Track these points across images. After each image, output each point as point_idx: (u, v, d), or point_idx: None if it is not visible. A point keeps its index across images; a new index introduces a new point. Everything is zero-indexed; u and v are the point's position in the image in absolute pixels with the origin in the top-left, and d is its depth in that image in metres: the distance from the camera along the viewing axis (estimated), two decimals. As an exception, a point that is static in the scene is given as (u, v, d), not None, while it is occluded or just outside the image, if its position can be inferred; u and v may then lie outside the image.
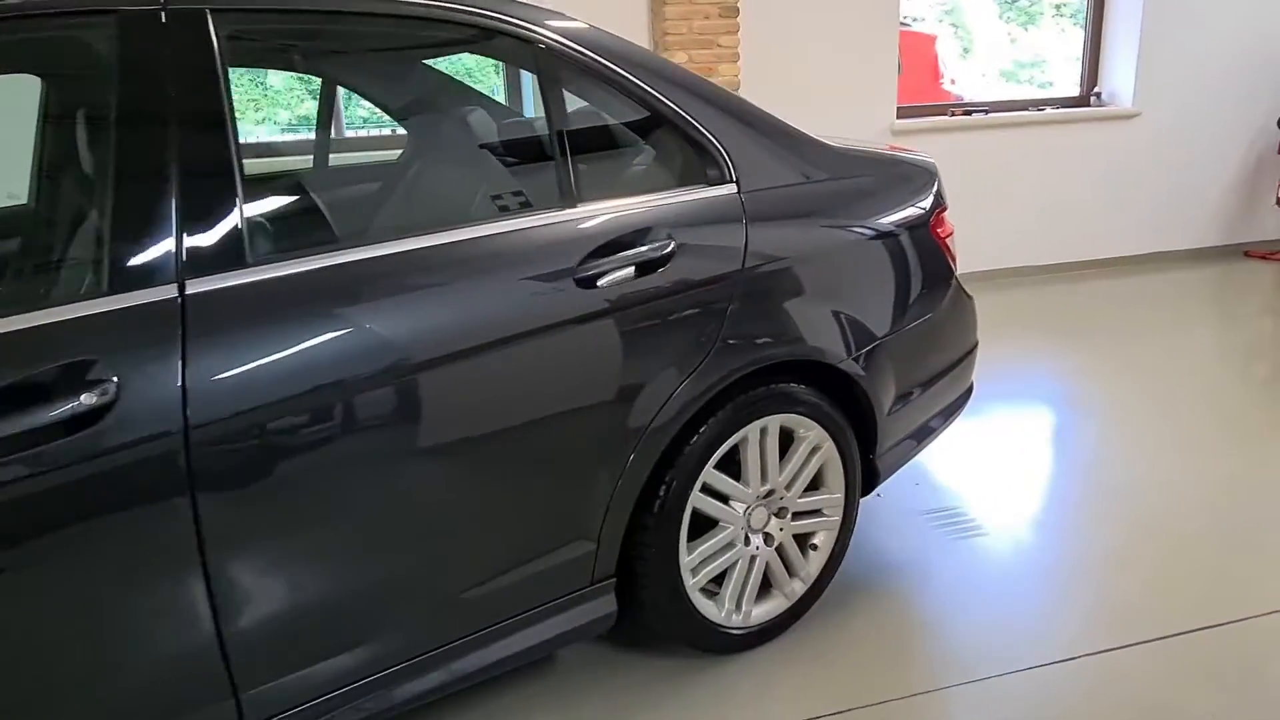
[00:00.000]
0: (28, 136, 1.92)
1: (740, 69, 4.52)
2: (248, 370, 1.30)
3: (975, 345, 2.47)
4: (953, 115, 5.31)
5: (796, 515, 2.05)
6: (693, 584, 1.89)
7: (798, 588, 2.08)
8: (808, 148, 2.04)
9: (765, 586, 2.06)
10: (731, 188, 1.85)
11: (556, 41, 1.70)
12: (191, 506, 1.27)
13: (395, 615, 1.53)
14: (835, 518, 2.11)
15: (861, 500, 2.21)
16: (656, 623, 1.91)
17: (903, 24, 6.95)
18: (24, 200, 1.97)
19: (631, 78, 1.77)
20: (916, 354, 2.20)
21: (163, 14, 1.34)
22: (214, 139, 1.35)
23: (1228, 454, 2.98)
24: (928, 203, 2.23)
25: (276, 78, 5.32)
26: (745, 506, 1.95)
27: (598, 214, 1.68)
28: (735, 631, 1.99)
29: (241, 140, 1.38)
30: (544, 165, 1.71)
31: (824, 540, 2.12)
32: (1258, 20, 5.60)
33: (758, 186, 1.89)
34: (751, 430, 1.89)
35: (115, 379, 1.20)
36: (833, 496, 2.09)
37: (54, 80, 1.80)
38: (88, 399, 1.18)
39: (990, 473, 2.91)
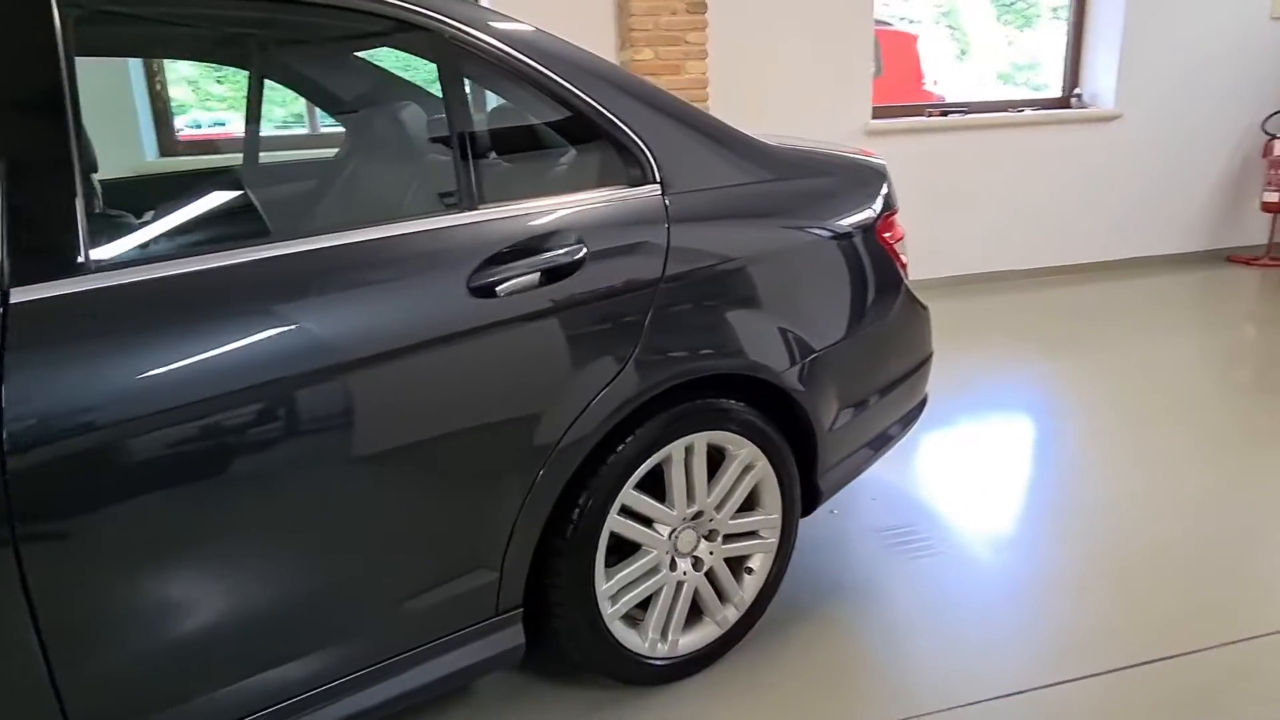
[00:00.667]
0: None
1: (708, 66, 4.40)
2: (77, 386, 1.17)
3: (928, 357, 2.35)
4: (930, 116, 5.20)
5: (729, 538, 1.92)
6: (611, 613, 1.76)
7: (731, 614, 1.95)
8: (745, 147, 1.91)
9: (695, 613, 1.93)
10: (654, 189, 1.72)
11: (457, 30, 1.57)
12: (11, 543, 1.13)
13: (271, 649, 1.40)
14: (772, 540, 1.98)
15: (806, 519, 2.09)
16: (574, 653, 1.78)
17: (883, 23, 6.84)
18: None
19: (546, 71, 1.65)
20: (861, 367, 2.07)
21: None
22: (49, 130, 1.21)
23: (1203, 468, 2.86)
24: (876, 205, 2.11)
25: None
26: (670, 529, 1.82)
27: (499, 217, 1.55)
28: (660, 662, 1.86)
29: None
30: (441, 164, 1.58)
31: (760, 563, 1.99)
32: (1241, 21, 5.49)
33: (685, 188, 1.76)
34: (675, 449, 1.77)
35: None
36: (768, 518, 1.96)
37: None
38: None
39: (952, 488, 2.79)
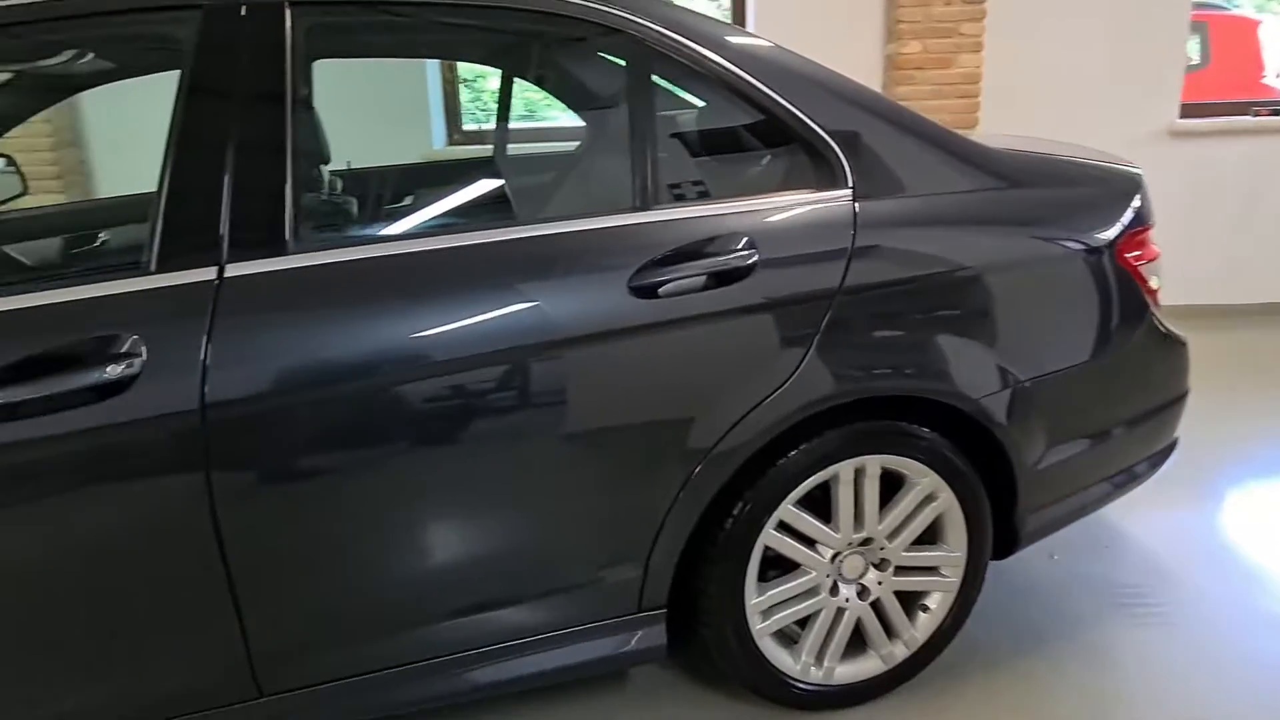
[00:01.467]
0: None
1: (983, 60, 4.08)
2: (270, 352, 1.33)
3: (1181, 395, 2.03)
4: (1257, 115, 4.46)
5: (901, 570, 1.80)
6: (761, 628, 1.71)
7: (899, 652, 1.83)
8: (964, 151, 1.76)
9: (860, 644, 1.83)
10: (844, 194, 1.64)
11: (648, 29, 1.58)
12: (207, 484, 1.32)
13: (420, 614, 1.52)
14: (953, 579, 1.82)
15: (1008, 559, 1.90)
16: (722, 663, 1.75)
17: (1214, 6, 5.96)
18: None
19: (737, 70, 1.62)
20: (1084, 401, 1.84)
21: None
22: (274, 130, 1.39)
23: None
24: (1120, 221, 1.85)
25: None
26: (834, 552, 1.73)
27: (668, 219, 1.55)
28: (811, 688, 1.78)
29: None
30: (619, 164, 1.60)
31: (938, 602, 1.84)
32: None
33: (882, 194, 1.66)
34: (844, 469, 1.68)
35: (144, 353, 1.28)
36: (950, 555, 1.80)
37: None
38: (114, 369, 1.26)
39: (1201, 551, 2.40)
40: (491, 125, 5.31)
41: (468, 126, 4.70)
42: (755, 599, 1.70)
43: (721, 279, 1.54)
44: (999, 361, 1.71)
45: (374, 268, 1.42)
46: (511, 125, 2.52)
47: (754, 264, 1.55)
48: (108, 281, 1.31)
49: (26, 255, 2.20)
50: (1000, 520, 1.86)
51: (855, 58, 4.20)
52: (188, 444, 1.30)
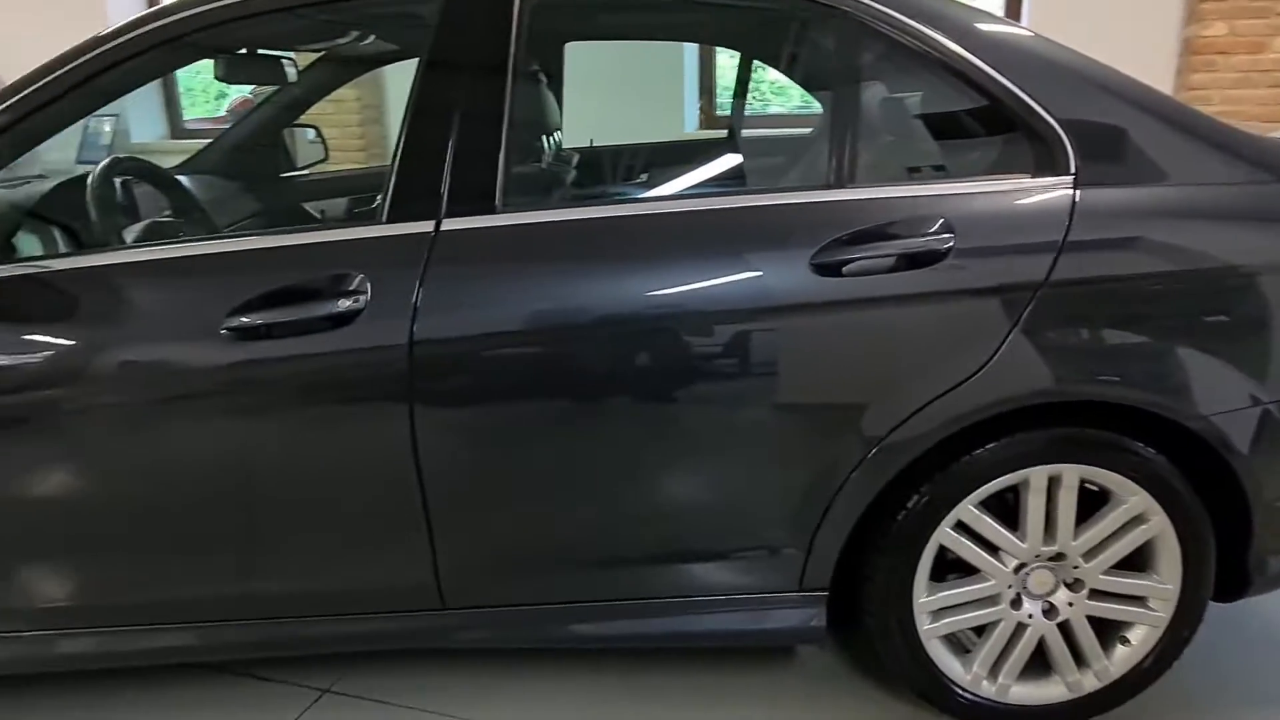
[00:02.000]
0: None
1: (1307, 42, 3.54)
2: (474, 302, 1.48)
3: None
4: None
5: (1098, 594, 1.65)
6: (929, 629, 1.65)
7: (1087, 682, 1.68)
8: (1217, 138, 1.57)
9: (1046, 665, 1.70)
10: (1063, 181, 1.52)
11: (860, 5, 1.55)
12: (410, 413, 1.49)
13: (594, 556, 1.62)
14: (1162, 614, 1.64)
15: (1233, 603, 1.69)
16: (883, 658, 1.71)
17: None
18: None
19: (954, 47, 1.55)
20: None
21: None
22: (493, 102, 1.53)
23: None
24: None
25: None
26: (1019, 563, 1.63)
27: (861, 198, 1.53)
28: (978, 700, 1.68)
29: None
30: (822, 142, 1.59)
31: (1141, 637, 1.67)
32: None
33: (1112, 181, 1.52)
34: (1036, 475, 1.56)
35: (369, 291, 1.47)
36: (1160, 586, 1.63)
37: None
38: (343, 303, 1.46)
39: None
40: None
41: (722, 113, 4.78)
42: (925, 598, 1.63)
43: (913, 261, 1.49)
44: (1243, 376, 1.52)
45: (571, 229, 1.53)
46: (757, 110, 2.57)
47: (950, 248, 1.48)
48: (349, 228, 1.52)
49: (302, 206, 2.56)
50: (1231, 558, 1.64)
51: (1147, 41, 3.79)
52: (396, 376, 1.47)
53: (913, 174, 1.58)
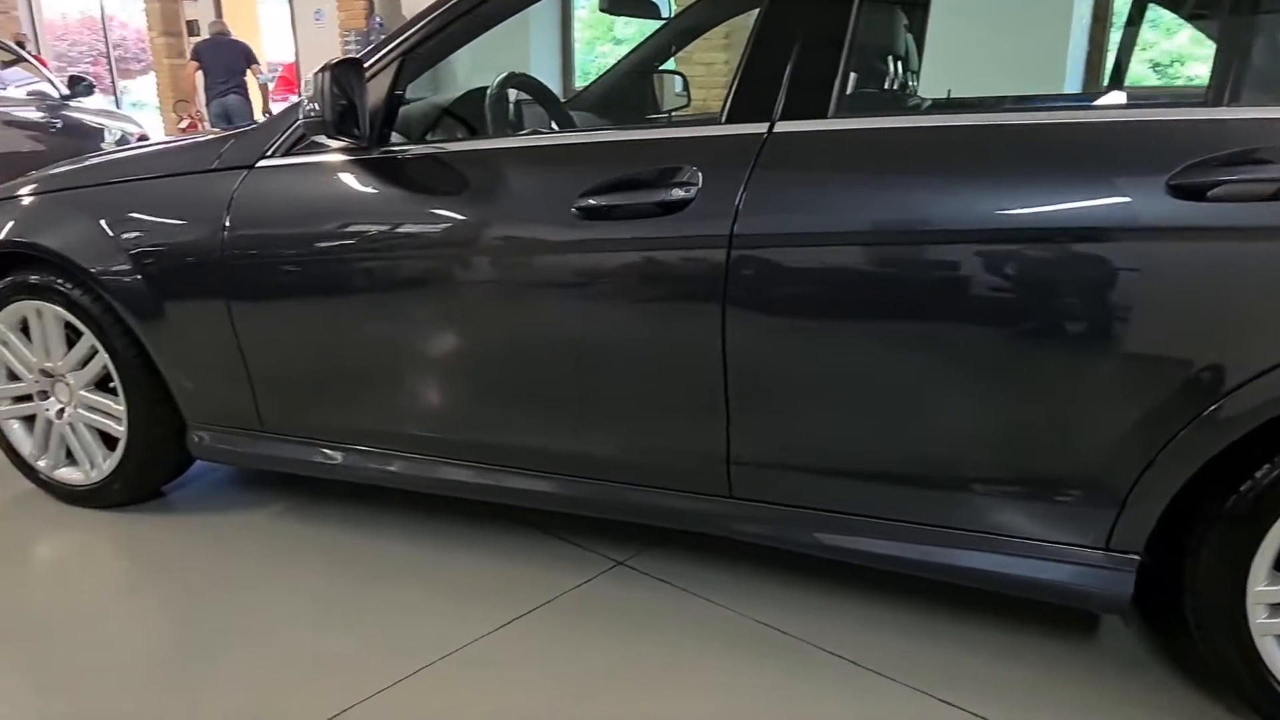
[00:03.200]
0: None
1: None
2: (794, 204, 1.54)
3: None
4: None
5: None
6: (1263, 623, 1.43)
7: None
8: None
9: None
10: None
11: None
12: (722, 302, 1.59)
13: (883, 471, 1.61)
14: None
15: None
16: (1204, 651, 1.51)
17: None
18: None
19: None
20: None
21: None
22: (837, 26, 1.57)
23: None
24: None
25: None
26: (1399, 568, 1.35)
27: (1245, 117, 1.34)
28: (1323, 724, 1.43)
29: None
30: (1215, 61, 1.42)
31: None
32: None
33: None
34: None
35: (699, 182, 1.58)
36: None
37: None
38: (676, 192, 1.59)
39: None
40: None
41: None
42: (1262, 585, 1.42)
43: (1302, 193, 1.28)
44: None
45: (907, 137, 1.53)
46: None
47: (1353, 178, 1.26)
48: (688, 127, 1.65)
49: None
50: None
51: None
52: (714, 263, 1.57)
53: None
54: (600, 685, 1.65)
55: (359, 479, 2.08)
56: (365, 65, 1.83)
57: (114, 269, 2.07)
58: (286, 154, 1.97)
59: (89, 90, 6.16)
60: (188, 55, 9.34)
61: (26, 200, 2.26)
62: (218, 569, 2.07)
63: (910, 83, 2.39)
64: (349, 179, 1.90)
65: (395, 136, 1.95)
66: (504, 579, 1.99)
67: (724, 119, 1.63)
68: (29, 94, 5.90)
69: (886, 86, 2.22)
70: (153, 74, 11.65)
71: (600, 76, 2.98)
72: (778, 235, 1.55)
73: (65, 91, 6.08)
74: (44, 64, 7.87)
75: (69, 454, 2.35)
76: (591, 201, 1.65)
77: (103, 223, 2.10)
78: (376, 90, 1.87)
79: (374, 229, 1.86)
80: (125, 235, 2.07)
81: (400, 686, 1.64)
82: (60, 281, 2.15)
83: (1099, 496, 1.47)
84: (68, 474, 2.35)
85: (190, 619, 1.89)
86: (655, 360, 1.68)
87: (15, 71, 6.53)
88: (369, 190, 1.89)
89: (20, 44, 10.87)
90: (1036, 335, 1.44)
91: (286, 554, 2.12)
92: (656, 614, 1.86)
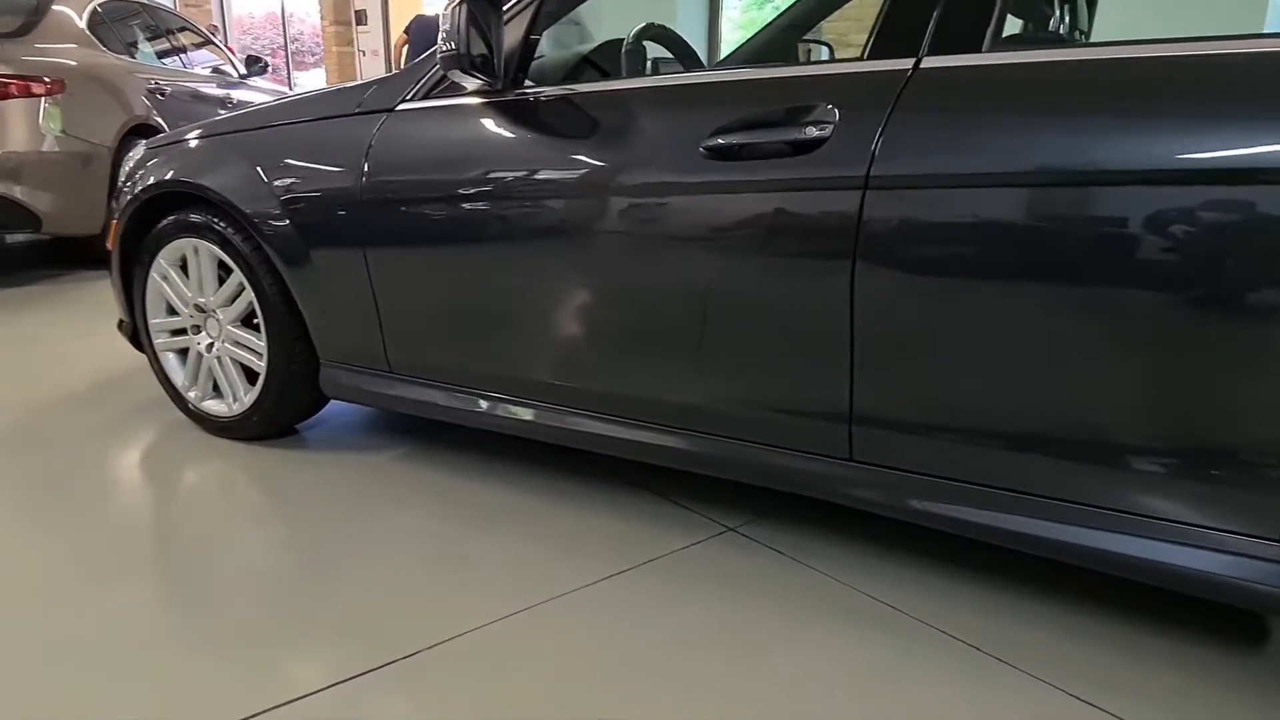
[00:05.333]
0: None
1: None
2: (936, 145, 1.43)
3: None
4: None
5: None
6: None
7: None
8: None
9: None
10: None
11: None
12: (853, 249, 1.49)
13: (1004, 436, 1.48)
14: None
15: None
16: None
17: None
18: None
19: None
20: None
21: None
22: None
23: None
24: None
25: None
26: None
27: None
28: None
29: None
30: None
31: None
32: None
33: None
34: None
35: (834, 121, 1.49)
36: None
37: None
38: (810, 131, 1.51)
39: None
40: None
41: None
42: None
43: None
44: None
45: (1074, 71, 1.39)
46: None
47: None
48: (826, 64, 1.56)
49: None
50: None
51: None
52: (846, 208, 1.48)
53: None
54: (703, 639, 1.59)
55: (479, 425, 2.10)
56: (503, 6, 1.84)
57: (264, 210, 2.17)
58: (425, 98, 2.01)
59: (263, 70, 6.61)
60: (355, 45, 9.86)
61: (192, 144, 2.40)
62: (339, 504, 2.13)
63: (1080, 30, 2.20)
64: (481, 121, 1.92)
65: (528, 83, 1.95)
66: (613, 534, 1.96)
67: (865, 55, 1.54)
68: (211, 71, 6.35)
69: (1050, 29, 2.05)
70: (323, 67, 12.41)
71: (744, 43, 2.91)
72: (919, 177, 1.44)
73: (243, 71, 6.55)
74: (230, 50, 8.51)
75: (215, 387, 2.48)
76: (720, 141, 1.59)
77: (257, 166, 2.20)
78: (513, 33, 1.87)
79: (503, 173, 1.86)
80: (275, 179, 2.16)
81: (509, 621, 1.64)
82: (217, 221, 2.27)
83: (1272, 477, 1.30)
84: (213, 406, 2.49)
85: (309, 547, 1.95)
86: (779, 306, 1.60)
87: (203, 53, 7.04)
88: (499, 133, 1.90)
89: (212, 32, 11.86)
90: (1216, 293, 1.27)
91: (404, 495, 2.17)
92: (766, 581, 1.78)
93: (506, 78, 1.87)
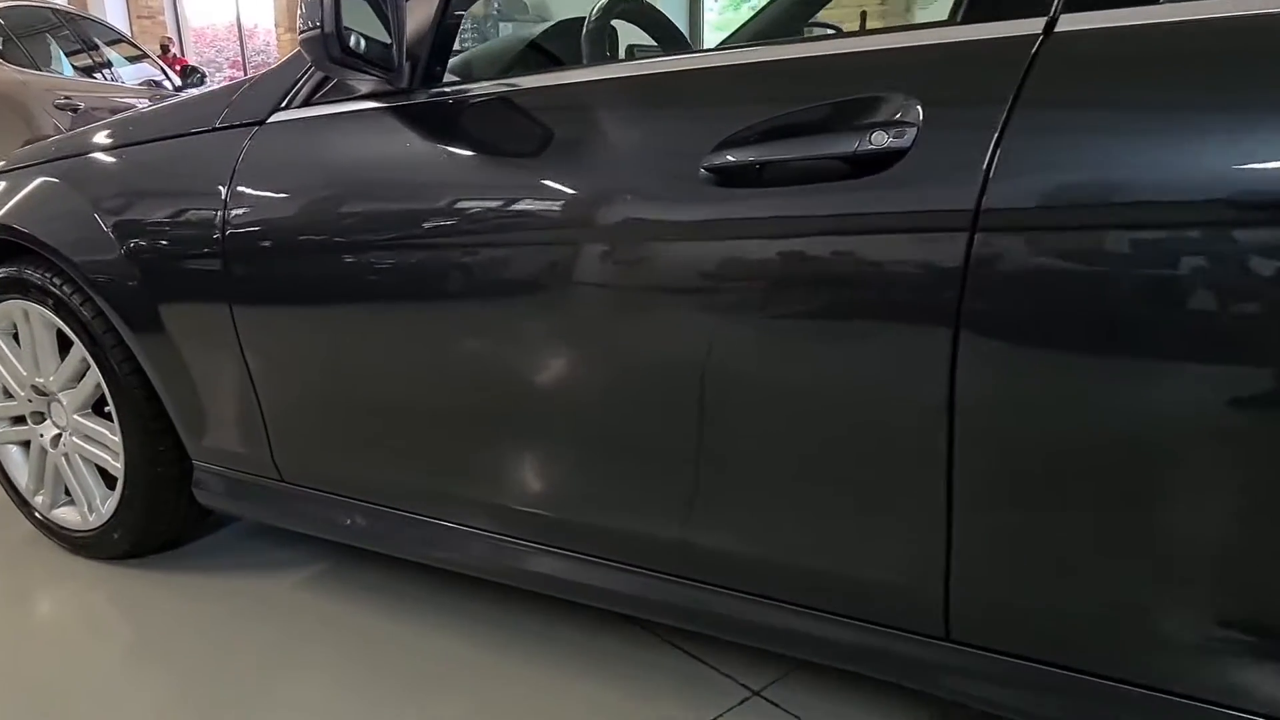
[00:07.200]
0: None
1: None
2: (1101, 150, 0.86)
3: None
4: None
5: None
6: None
7: None
8: None
9: None
10: None
11: None
12: (953, 327, 0.93)
13: (1184, 624, 0.93)
14: None
15: None
16: None
17: None
18: None
19: None
20: None
21: None
22: None
23: None
24: None
25: None
26: None
27: None
28: None
29: None
30: None
31: None
32: None
33: None
34: None
35: (917, 123, 0.93)
36: None
37: None
38: (878, 137, 0.94)
39: None
40: None
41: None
42: None
43: None
44: None
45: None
46: None
47: None
48: (893, 34, 0.99)
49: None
50: None
51: None
52: (940, 261, 0.92)
53: None
54: None
55: (405, 555, 1.53)
56: (402, -31, 1.26)
57: (100, 261, 1.59)
58: (306, 104, 1.43)
59: (200, 81, 6.08)
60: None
61: (22, 173, 1.81)
62: (227, 650, 1.55)
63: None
64: (380, 133, 1.34)
65: (449, 79, 1.38)
66: (592, 707, 1.39)
67: (960, 17, 0.98)
68: (140, 84, 5.79)
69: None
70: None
71: (748, 21, 2.34)
72: (1063, 210, 0.87)
73: (179, 82, 6.02)
74: (176, 62, 7.93)
75: (67, 491, 1.90)
76: (730, 158, 1.02)
77: (92, 202, 1.62)
78: (421, 8, 1.30)
79: (411, 206, 1.28)
80: (114, 219, 1.58)
81: None
82: (53, 278, 1.69)
83: None
84: (66, 515, 1.90)
85: (187, 706, 1.38)
86: (827, 413, 1.03)
87: (142, 67, 6.49)
88: (406, 149, 1.32)
89: (165, 48, 11.26)
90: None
91: (313, 638, 1.59)
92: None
93: (414, 72, 1.30)
